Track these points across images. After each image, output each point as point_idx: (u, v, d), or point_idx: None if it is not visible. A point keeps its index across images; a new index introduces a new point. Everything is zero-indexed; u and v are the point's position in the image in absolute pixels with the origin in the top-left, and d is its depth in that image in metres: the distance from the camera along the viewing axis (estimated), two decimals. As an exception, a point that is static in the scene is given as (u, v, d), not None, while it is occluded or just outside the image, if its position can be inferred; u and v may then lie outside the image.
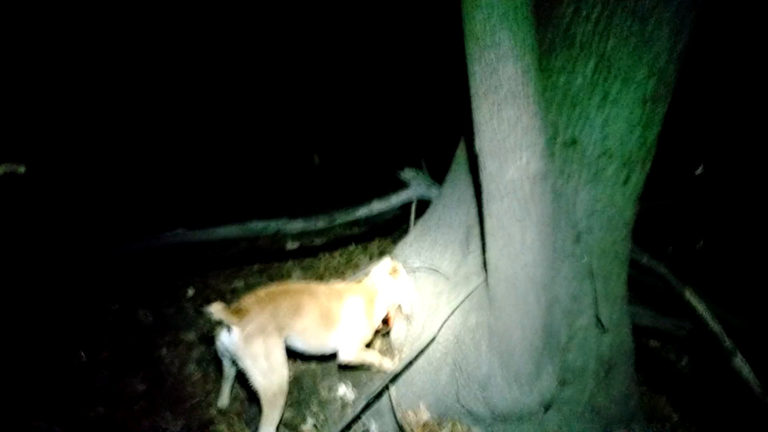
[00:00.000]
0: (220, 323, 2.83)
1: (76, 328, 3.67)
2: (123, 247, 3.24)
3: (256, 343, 2.78)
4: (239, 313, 2.80)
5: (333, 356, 3.29)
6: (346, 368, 3.46)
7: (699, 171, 4.10)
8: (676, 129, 3.76)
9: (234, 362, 3.00)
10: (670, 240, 4.82)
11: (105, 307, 3.96)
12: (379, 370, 3.36)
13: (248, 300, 2.92)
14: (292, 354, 3.17)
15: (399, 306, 3.50)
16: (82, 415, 3.06)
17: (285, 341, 2.99)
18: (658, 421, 3.79)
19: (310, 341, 3.14)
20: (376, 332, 3.53)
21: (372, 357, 3.33)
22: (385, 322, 3.56)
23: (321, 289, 3.27)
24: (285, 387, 2.88)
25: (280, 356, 2.88)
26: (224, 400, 3.25)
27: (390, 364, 3.33)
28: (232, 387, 3.28)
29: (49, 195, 5.01)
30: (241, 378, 2.99)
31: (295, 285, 3.25)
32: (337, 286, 3.42)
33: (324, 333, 3.15)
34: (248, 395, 3.27)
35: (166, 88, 6.76)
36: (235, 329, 2.77)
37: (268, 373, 2.81)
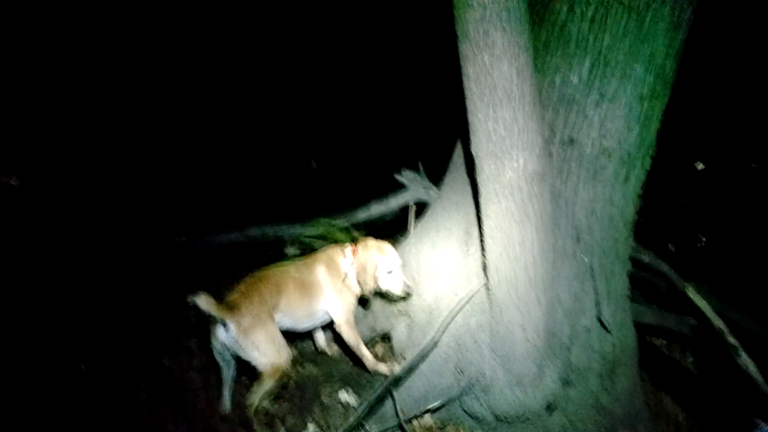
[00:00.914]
0: (209, 317, 2.87)
1: (73, 338, 3.66)
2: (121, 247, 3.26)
3: (257, 333, 2.92)
4: (229, 309, 2.90)
5: (333, 364, 3.29)
6: (350, 372, 3.45)
7: (700, 167, 4.07)
8: (676, 125, 3.73)
9: (230, 360, 3.10)
10: (671, 237, 4.79)
11: (102, 315, 3.93)
12: (376, 372, 3.38)
13: (233, 296, 3.02)
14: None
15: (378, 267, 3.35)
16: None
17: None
18: (663, 420, 3.76)
19: (297, 315, 3.26)
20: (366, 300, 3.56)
21: (365, 351, 3.38)
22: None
23: (288, 267, 3.36)
24: (284, 365, 3.05)
25: (281, 337, 3.06)
26: (226, 404, 3.24)
27: (385, 368, 3.35)
28: (233, 391, 3.27)
29: (44, 203, 4.99)
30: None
31: (264, 272, 3.28)
32: (301, 259, 3.49)
33: (307, 302, 3.29)
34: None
35: (160, 90, 6.75)
36: (232, 324, 2.87)
37: (276, 354, 2.99)
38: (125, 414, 3.19)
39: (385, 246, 3.38)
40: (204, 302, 2.77)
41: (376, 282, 3.30)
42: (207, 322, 2.97)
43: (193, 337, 3.83)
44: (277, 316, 3.13)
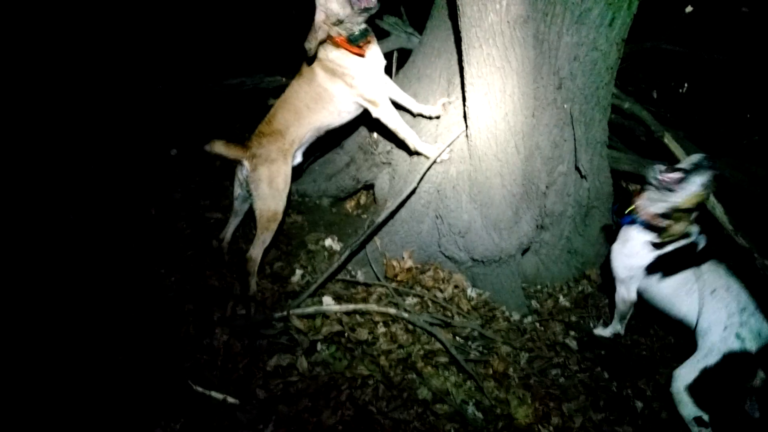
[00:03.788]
0: (224, 158, 3.07)
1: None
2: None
3: (261, 170, 3.02)
4: (243, 148, 3.05)
5: (318, 212, 3.35)
6: (334, 220, 3.52)
7: (688, 9, 3.93)
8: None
9: (244, 205, 3.27)
10: (655, 83, 4.76)
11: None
12: (417, 152, 3.28)
13: (250, 141, 3.10)
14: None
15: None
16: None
17: (307, 143, 3.26)
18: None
19: (330, 118, 3.20)
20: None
21: (406, 132, 3.23)
22: None
23: (289, 87, 3.20)
24: (279, 215, 3.11)
25: (282, 183, 3.08)
26: (228, 233, 3.40)
27: (429, 149, 3.23)
28: (237, 226, 3.43)
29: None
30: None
31: (273, 110, 3.19)
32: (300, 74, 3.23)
33: (328, 106, 3.15)
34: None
35: None
36: (245, 162, 3.04)
37: (268, 198, 3.05)
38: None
39: None
40: (217, 147, 2.98)
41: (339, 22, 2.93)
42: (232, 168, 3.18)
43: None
44: (307, 135, 3.17)
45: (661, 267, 2.90)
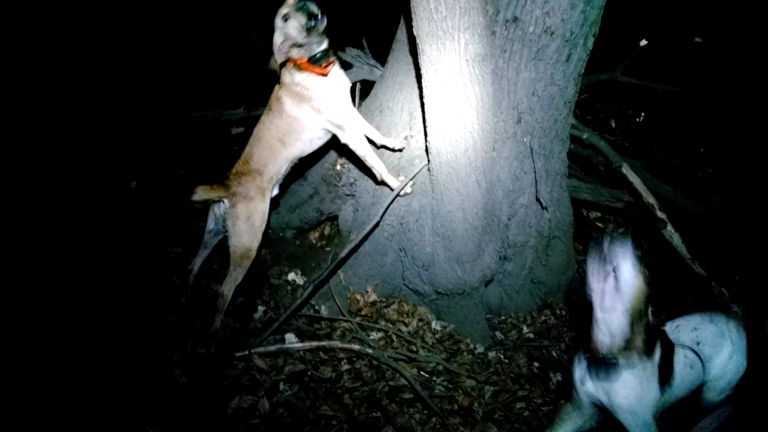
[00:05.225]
0: (210, 201, 3.06)
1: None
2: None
3: (239, 207, 3.01)
4: (223, 187, 3.03)
5: (282, 244, 3.31)
6: (297, 252, 3.49)
7: (643, 43, 4.05)
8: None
9: (214, 239, 3.24)
10: (613, 114, 4.87)
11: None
12: (383, 182, 3.25)
13: (229, 180, 3.08)
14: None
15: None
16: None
17: (283, 175, 3.22)
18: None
19: (303, 147, 3.17)
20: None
21: (374, 161, 3.19)
22: None
23: (260, 123, 3.16)
24: (253, 252, 3.08)
25: (258, 221, 3.07)
26: (195, 265, 3.31)
27: (395, 181, 3.22)
28: (206, 258, 3.34)
29: None
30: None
31: (248, 149, 3.16)
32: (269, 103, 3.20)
33: (298, 136, 3.12)
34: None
35: None
36: (225, 200, 3.03)
37: (244, 235, 3.03)
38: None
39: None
40: (202, 193, 2.96)
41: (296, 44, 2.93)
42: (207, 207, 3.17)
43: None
44: (284, 168, 3.15)
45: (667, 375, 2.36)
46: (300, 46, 2.91)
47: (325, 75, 3.01)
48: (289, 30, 2.86)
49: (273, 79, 3.10)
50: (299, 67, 2.97)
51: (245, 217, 3.01)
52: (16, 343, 2.78)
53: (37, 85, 4.91)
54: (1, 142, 4.16)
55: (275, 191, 3.28)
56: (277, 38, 2.89)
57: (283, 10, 2.85)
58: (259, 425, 2.60)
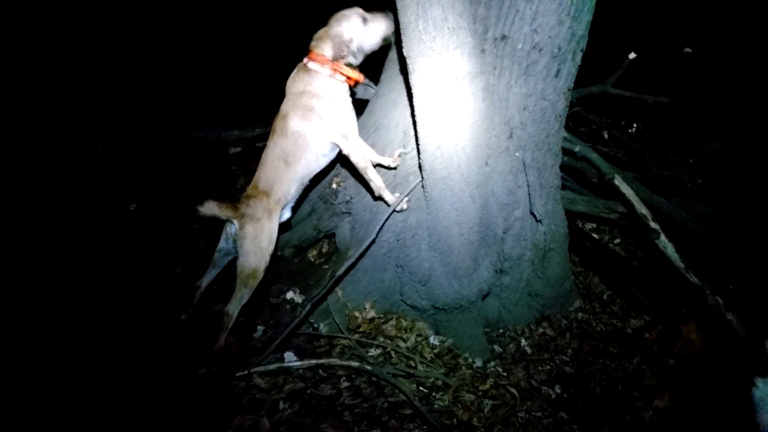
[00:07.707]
0: (216, 218, 3.09)
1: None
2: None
3: (247, 228, 3.05)
4: (233, 208, 3.08)
5: (282, 262, 3.35)
6: (297, 270, 3.52)
7: (632, 56, 4.10)
8: (610, 16, 3.74)
9: (227, 253, 3.28)
10: (606, 125, 4.92)
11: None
12: (380, 197, 3.29)
13: (239, 202, 3.13)
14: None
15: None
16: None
17: (294, 198, 3.27)
18: (591, 298, 4.05)
19: (309, 165, 3.19)
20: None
21: (372, 174, 3.23)
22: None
23: (266, 148, 3.18)
24: (260, 273, 3.10)
25: (265, 241, 3.08)
26: (203, 283, 3.36)
27: (391, 197, 3.26)
28: (215, 276, 3.40)
29: None
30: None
31: (257, 173, 3.20)
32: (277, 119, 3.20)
33: (305, 155, 3.14)
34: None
35: None
36: (235, 221, 3.08)
37: (250, 255, 3.06)
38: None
39: (337, 15, 3.10)
40: (210, 208, 3.01)
41: (361, 50, 3.12)
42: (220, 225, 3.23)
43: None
44: (293, 190, 3.17)
45: None
46: (359, 53, 3.08)
47: (352, 83, 3.13)
48: (365, 35, 3.05)
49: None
50: (326, 71, 3.03)
51: (252, 237, 3.04)
52: (20, 365, 2.81)
53: (36, 109, 4.96)
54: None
55: (287, 214, 3.32)
56: (346, 34, 3.02)
57: (364, 14, 3.03)
58: (261, 444, 2.62)
